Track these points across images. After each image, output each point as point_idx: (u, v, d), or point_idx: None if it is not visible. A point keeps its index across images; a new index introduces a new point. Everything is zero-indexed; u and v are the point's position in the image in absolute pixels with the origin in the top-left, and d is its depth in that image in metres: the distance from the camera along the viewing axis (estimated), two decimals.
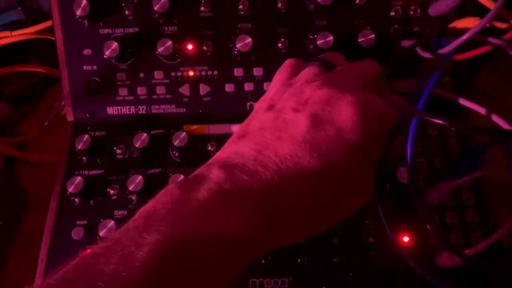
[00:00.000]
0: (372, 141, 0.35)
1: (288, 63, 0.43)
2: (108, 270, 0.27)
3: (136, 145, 0.48)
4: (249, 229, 0.31)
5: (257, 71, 0.51)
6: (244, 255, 0.32)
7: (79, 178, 0.46)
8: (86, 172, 0.48)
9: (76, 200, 0.47)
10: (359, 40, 0.49)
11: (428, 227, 0.41)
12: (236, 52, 0.50)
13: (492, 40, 0.44)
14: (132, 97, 0.51)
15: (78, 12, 0.49)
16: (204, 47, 0.50)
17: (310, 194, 0.33)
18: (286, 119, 0.35)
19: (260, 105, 0.39)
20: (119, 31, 0.50)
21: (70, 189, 0.46)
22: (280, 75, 0.42)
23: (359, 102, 0.35)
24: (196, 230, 0.30)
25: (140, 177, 0.46)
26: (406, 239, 0.43)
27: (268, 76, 0.49)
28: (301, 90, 0.37)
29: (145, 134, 0.48)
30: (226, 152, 0.36)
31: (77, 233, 0.45)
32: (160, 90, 0.51)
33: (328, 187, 0.34)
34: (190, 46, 0.51)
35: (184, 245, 0.29)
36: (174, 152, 0.49)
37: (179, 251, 0.29)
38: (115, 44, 0.49)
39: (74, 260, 0.28)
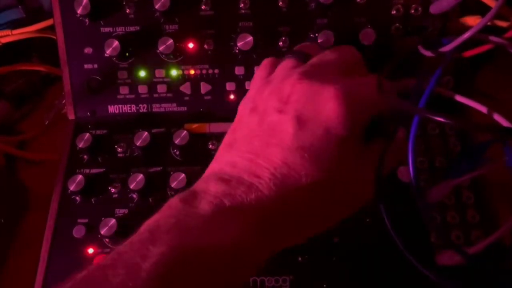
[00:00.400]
0: (360, 131, 0.35)
1: (265, 62, 0.42)
2: (115, 281, 0.27)
3: (137, 144, 0.48)
4: (250, 240, 0.31)
5: None
6: (246, 264, 0.32)
7: (80, 177, 0.46)
8: (87, 171, 0.48)
9: (77, 198, 0.47)
10: (360, 39, 0.49)
11: (429, 226, 0.41)
12: (237, 51, 0.50)
13: (493, 38, 0.44)
14: (133, 96, 0.51)
15: (79, 11, 0.49)
16: (205, 46, 0.50)
17: (308, 198, 0.33)
18: (271, 122, 0.35)
19: (243, 107, 0.39)
20: (120, 30, 0.50)
21: (71, 188, 0.46)
22: (259, 72, 0.41)
23: (341, 93, 0.34)
24: (198, 243, 0.30)
25: (141, 176, 0.46)
26: (406, 238, 0.43)
27: None
28: (280, 87, 0.36)
29: (146, 133, 0.48)
30: (219, 162, 0.36)
31: (78, 232, 0.45)
32: (161, 88, 0.51)
33: (326, 189, 0.34)
34: (191, 45, 0.51)
35: (188, 257, 0.29)
36: (175, 150, 0.49)
37: (182, 263, 0.29)
38: (116, 43, 0.49)
39: (82, 273, 0.29)
